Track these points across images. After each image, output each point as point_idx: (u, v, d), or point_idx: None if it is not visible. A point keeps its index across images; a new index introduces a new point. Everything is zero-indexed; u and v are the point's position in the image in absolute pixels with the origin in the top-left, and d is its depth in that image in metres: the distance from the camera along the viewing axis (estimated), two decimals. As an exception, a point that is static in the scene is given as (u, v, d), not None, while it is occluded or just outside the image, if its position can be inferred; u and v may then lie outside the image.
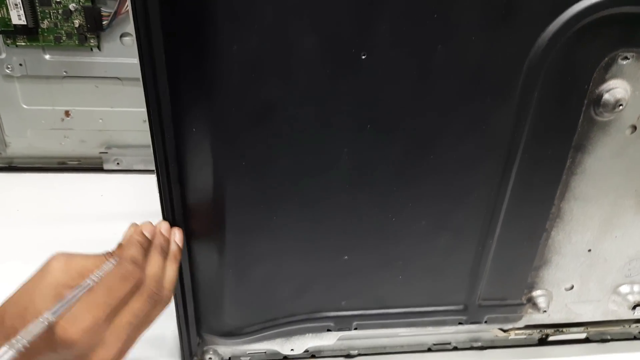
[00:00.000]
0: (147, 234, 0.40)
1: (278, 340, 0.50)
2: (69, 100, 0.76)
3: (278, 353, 0.53)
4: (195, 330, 0.49)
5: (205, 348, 0.52)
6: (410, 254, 0.46)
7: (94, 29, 0.69)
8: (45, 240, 0.69)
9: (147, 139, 0.86)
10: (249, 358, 0.53)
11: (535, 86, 0.38)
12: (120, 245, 0.40)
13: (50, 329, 0.33)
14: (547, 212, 0.45)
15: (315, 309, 0.48)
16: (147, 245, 0.40)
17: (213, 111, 0.37)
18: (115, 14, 0.68)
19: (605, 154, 0.43)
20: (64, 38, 0.70)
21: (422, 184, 0.42)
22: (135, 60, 0.76)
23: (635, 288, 0.52)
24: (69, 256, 0.37)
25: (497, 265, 0.48)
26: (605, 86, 0.39)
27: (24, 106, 0.77)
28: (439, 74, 0.37)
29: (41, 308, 0.34)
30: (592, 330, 0.57)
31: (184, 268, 0.44)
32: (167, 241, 0.41)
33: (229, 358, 0.53)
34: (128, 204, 0.76)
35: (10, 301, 0.36)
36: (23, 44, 0.70)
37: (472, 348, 0.57)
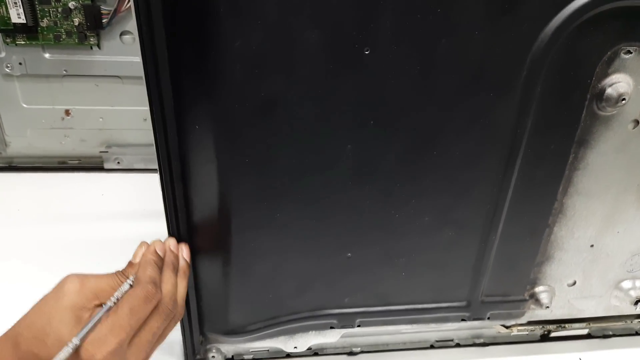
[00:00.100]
0: (160, 252, 0.41)
1: (281, 338, 0.50)
2: (69, 99, 0.76)
3: (281, 351, 0.53)
4: (198, 329, 0.49)
5: (208, 346, 0.52)
6: (413, 250, 0.46)
7: (93, 27, 0.69)
8: (46, 240, 0.69)
9: (147, 137, 0.86)
10: (251, 356, 0.53)
11: (538, 81, 0.38)
12: (130, 264, 0.41)
13: (77, 354, 0.34)
14: (549, 207, 0.45)
15: (318, 306, 0.48)
16: (161, 264, 0.40)
17: (216, 108, 0.37)
18: (115, 12, 0.68)
19: (607, 148, 0.43)
20: (63, 36, 0.69)
21: (425, 179, 0.42)
22: (135, 59, 0.77)
23: (637, 283, 0.52)
24: (82, 277, 0.37)
25: (500, 261, 0.48)
26: (608, 80, 0.39)
27: (24, 105, 0.76)
28: (442, 69, 0.37)
29: (62, 332, 0.35)
30: (594, 326, 0.57)
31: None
32: (177, 258, 0.42)
33: (232, 356, 0.53)
34: (129, 203, 0.76)
35: (24, 324, 0.36)
36: (22, 42, 0.70)
37: (474, 345, 0.57)
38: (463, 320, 0.51)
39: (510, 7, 0.35)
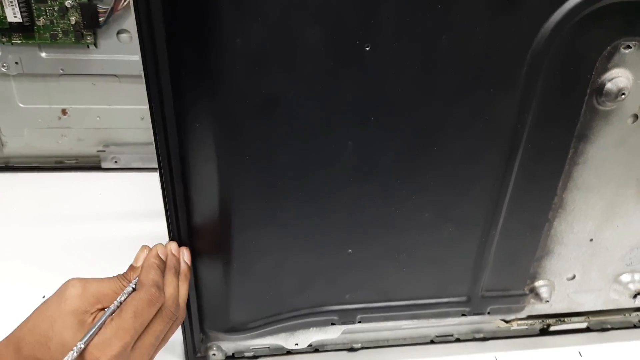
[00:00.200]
0: (162, 256, 0.41)
1: (282, 335, 0.50)
2: (66, 98, 0.76)
3: (282, 348, 0.53)
4: (198, 327, 0.49)
5: (208, 344, 0.52)
6: (414, 246, 0.46)
7: (90, 26, 0.68)
8: (44, 240, 0.68)
9: (145, 136, 0.86)
10: (252, 353, 0.53)
11: (539, 76, 0.38)
12: (132, 267, 0.41)
13: (82, 357, 0.34)
14: (549, 202, 0.45)
15: (319, 302, 0.48)
16: (163, 267, 0.41)
17: (216, 105, 0.37)
18: (112, 10, 0.68)
19: (607, 143, 0.43)
20: (60, 35, 0.69)
21: (426, 175, 0.42)
22: (132, 57, 0.77)
23: (636, 277, 0.52)
24: (84, 281, 0.38)
25: (500, 256, 0.48)
26: (607, 75, 0.39)
27: (21, 105, 0.76)
28: (442, 65, 0.37)
29: (66, 336, 0.35)
30: (593, 319, 0.57)
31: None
32: (178, 261, 0.42)
33: (233, 354, 0.53)
34: (127, 202, 0.76)
35: (25, 328, 0.36)
36: (19, 41, 0.69)
37: (474, 339, 0.58)
38: (463, 315, 0.51)
39: (510, 3, 0.35)
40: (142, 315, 0.36)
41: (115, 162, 0.82)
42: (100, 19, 0.68)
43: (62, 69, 0.73)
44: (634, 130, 0.43)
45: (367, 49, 0.35)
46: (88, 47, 0.71)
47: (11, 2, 0.65)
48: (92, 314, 0.37)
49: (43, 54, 0.72)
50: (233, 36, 0.34)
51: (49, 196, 0.77)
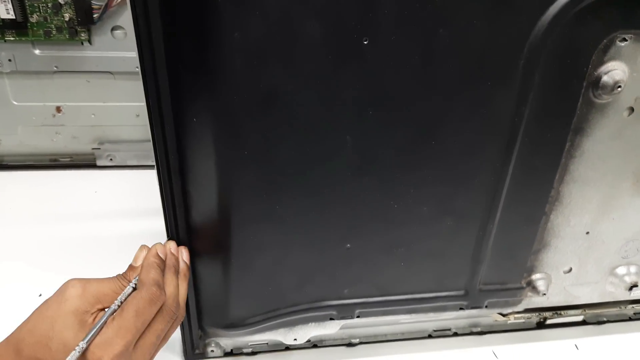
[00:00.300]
0: (162, 255, 0.41)
1: (281, 331, 0.50)
2: (60, 95, 0.75)
3: (280, 344, 0.53)
4: (197, 323, 0.49)
5: (207, 341, 0.52)
6: (412, 240, 0.46)
7: (84, 22, 0.68)
8: (39, 239, 0.68)
9: (140, 133, 0.86)
10: (250, 349, 0.53)
11: (536, 69, 0.38)
12: (131, 267, 0.41)
13: (83, 356, 0.34)
14: (546, 195, 0.46)
15: (317, 298, 0.48)
16: (163, 266, 0.41)
17: (214, 100, 0.37)
18: (106, 6, 0.67)
19: (603, 136, 0.43)
20: (54, 32, 0.68)
21: (424, 169, 0.42)
22: (127, 54, 0.76)
23: (632, 269, 0.53)
24: (84, 282, 0.38)
25: (498, 250, 0.48)
26: (603, 68, 0.40)
27: (14, 102, 0.75)
28: (440, 59, 0.37)
29: (67, 336, 0.35)
30: (589, 312, 0.58)
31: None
32: (177, 260, 0.42)
33: (231, 350, 0.53)
34: (123, 200, 0.76)
35: (25, 329, 0.36)
36: (12, 38, 0.69)
37: (471, 333, 0.58)
38: (461, 309, 0.52)
39: (508, -4, 0.35)
40: (143, 314, 0.36)
41: (111, 159, 0.82)
42: (95, 16, 0.68)
43: (56, 66, 0.72)
44: (630, 123, 0.43)
45: (365, 43, 0.35)
46: (82, 43, 0.71)
47: (4, -2, 0.64)
48: (92, 314, 0.37)
49: (37, 51, 0.71)
50: (231, 30, 0.34)
51: (44, 194, 0.77)
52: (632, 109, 0.42)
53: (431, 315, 0.53)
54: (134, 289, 0.39)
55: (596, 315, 0.59)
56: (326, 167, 0.40)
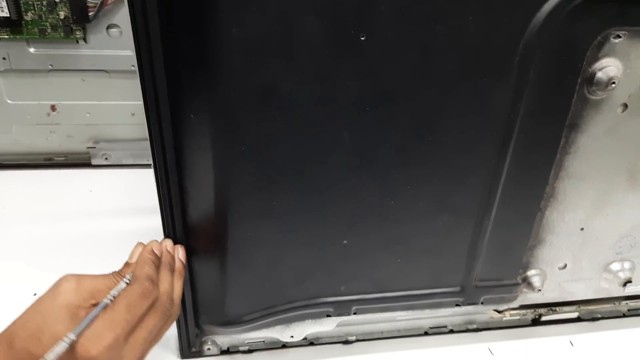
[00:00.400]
0: (157, 252, 0.42)
1: (278, 328, 0.50)
2: (55, 94, 0.75)
3: (277, 342, 0.53)
4: (193, 321, 0.49)
5: (203, 339, 0.52)
6: (409, 236, 0.46)
7: (79, 20, 0.68)
8: (34, 239, 0.67)
9: (136, 132, 0.86)
10: (247, 347, 0.53)
11: (531, 65, 0.39)
12: (127, 264, 0.41)
13: (72, 348, 0.34)
14: (541, 191, 0.46)
15: (314, 294, 0.48)
16: (158, 263, 0.41)
17: (211, 96, 0.37)
18: (102, 5, 0.67)
19: (598, 132, 0.44)
20: (48, 30, 0.68)
21: (421, 165, 0.42)
22: (123, 52, 0.76)
23: (626, 265, 0.53)
24: (78, 277, 0.38)
25: (494, 246, 0.48)
26: (598, 64, 0.40)
27: (9, 101, 0.75)
28: (436, 55, 0.37)
29: (58, 329, 0.35)
30: (584, 308, 0.58)
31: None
32: (173, 259, 0.43)
33: (228, 348, 0.53)
34: (118, 199, 0.76)
35: (19, 323, 0.36)
36: (6, 37, 0.68)
37: (467, 330, 0.58)
38: (457, 305, 0.52)
39: (503, -8, 0.36)
40: (134, 308, 0.36)
41: (106, 158, 0.81)
42: (90, 14, 0.67)
43: (51, 65, 0.72)
44: (624, 119, 0.43)
45: (362, 39, 0.36)
46: (77, 42, 0.71)
47: (-2, -4, 0.64)
48: (85, 309, 0.37)
49: (31, 49, 0.71)
50: (229, 26, 0.34)
51: (39, 194, 0.76)
52: (625, 106, 0.43)
53: (427, 312, 0.53)
54: (128, 284, 0.39)
55: (591, 311, 0.59)
56: (324, 164, 0.40)
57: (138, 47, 0.35)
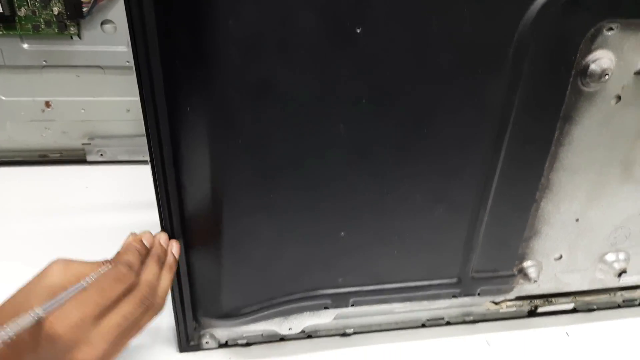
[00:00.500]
0: (146, 243, 0.42)
1: (276, 320, 0.50)
2: (49, 90, 0.75)
3: (275, 334, 0.53)
4: (191, 315, 0.49)
5: (201, 332, 0.52)
6: (406, 228, 0.46)
7: (73, 16, 0.67)
8: (29, 236, 0.67)
9: (131, 128, 0.85)
10: (245, 341, 0.53)
11: (525, 58, 0.39)
12: (118, 254, 0.41)
13: (39, 325, 0.34)
14: (536, 183, 0.46)
15: (312, 286, 0.49)
16: (144, 252, 0.41)
17: (208, 89, 0.37)
18: (96, 0, 0.67)
19: (591, 124, 0.44)
20: (42, 26, 0.68)
21: (417, 158, 0.42)
22: (117, 48, 0.76)
23: (621, 256, 0.54)
24: (68, 261, 0.39)
25: (490, 238, 0.49)
26: (591, 57, 0.40)
27: (3, 98, 0.75)
28: (432, 47, 0.37)
29: (34, 305, 0.35)
30: (580, 299, 0.59)
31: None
32: (165, 252, 0.42)
33: (226, 341, 0.53)
34: (114, 196, 0.76)
35: (7, 301, 0.37)
36: (0, 32, 0.68)
37: (464, 322, 0.58)
38: (454, 296, 0.52)
39: (498, -16, 0.36)
40: (105, 290, 0.36)
41: (101, 155, 0.81)
42: (84, 9, 0.67)
43: (45, 61, 0.72)
44: (617, 111, 0.44)
45: (358, 31, 0.36)
46: (71, 38, 0.70)
47: (-9, -8, 0.64)
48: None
49: (25, 45, 0.70)
50: (225, 18, 0.34)
51: (34, 191, 0.76)
52: (619, 97, 0.43)
53: (425, 304, 0.53)
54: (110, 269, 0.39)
55: (586, 303, 0.60)
56: (320, 157, 0.41)
57: (134, 40, 0.35)
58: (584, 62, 0.41)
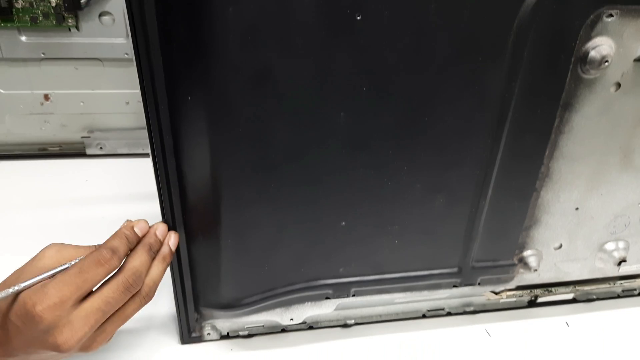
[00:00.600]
0: (138, 231, 0.41)
1: (277, 310, 0.50)
2: (48, 83, 0.74)
3: (277, 325, 0.53)
4: (193, 306, 0.49)
5: (203, 323, 0.52)
6: (406, 218, 0.46)
7: (71, 8, 0.67)
8: (29, 229, 0.67)
9: (130, 121, 0.85)
10: (247, 332, 0.53)
11: (525, 45, 0.39)
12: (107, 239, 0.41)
13: (19, 300, 0.35)
14: (536, 171, 0.46)
15: (313, 276, 0.49)
16: (134, 239, 0.41)
17: (208, 77, 0.37)
18: (94, -8, 0.67)
19: (591, 111, 0.44)
20: (40, 18, 0.68)
21: (417, 146, 0.42)
22: (116, 40, 0.75)
23: (620, 244, 0.54)
24: (61, 245, 0.39)
25: (490, 227, 0.49)
26: (591, 43, 0.40)
27: (1, 91, 0.74)
28: (432, 35, 0.37)
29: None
30: (580, 289, 0.59)
31: (180, 242, 0.44)
32: (159, 243, 0.42)
33: (227, 333, 0.53)
34: (114, 189, 0.75)
35: (2, 282, 0.38)
36: (-3, 25, 0.68)
37: (464, 313, 0.59)
38: (455, 286, 0.52)
39: (497, -29, 0.36)
40: (85, 272, 0.36)
41: (101, 148, 0.81)
42: (82, 1, 0.67)
43: (43, 53, 0.71)
44: (617, 98, 0.44)
45: (358, 18, 0.36)
46: (70, 30, 0.70)
47: (-12, -17, 0.63)
48: None
49: (23, 38, 0.70)
50: (225, 5, 0.34)
51: (33, 184, 0.76)
52: (618, 85, 0.43)
53: (425, 294, 0.53)
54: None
55: (586, 293, 0.60)
56: (320, 144, 0.41)
57: (133, 28, 0.35)
58: (583, 49, 0.41)
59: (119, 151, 0.81)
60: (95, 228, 0.67)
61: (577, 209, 0.50)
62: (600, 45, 0.40)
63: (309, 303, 0.50)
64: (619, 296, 0.62)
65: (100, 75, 0.74)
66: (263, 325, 0.53)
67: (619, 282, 0.60)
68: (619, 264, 0.54)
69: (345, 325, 0.56)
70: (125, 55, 0.70)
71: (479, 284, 0.53)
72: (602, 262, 0.55)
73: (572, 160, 0.47)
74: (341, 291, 0.50)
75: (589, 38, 0.40)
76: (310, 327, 0.55)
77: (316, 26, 0.35)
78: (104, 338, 0.39)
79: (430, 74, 0.39)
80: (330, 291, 0.50)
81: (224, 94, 0.37)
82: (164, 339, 0.53)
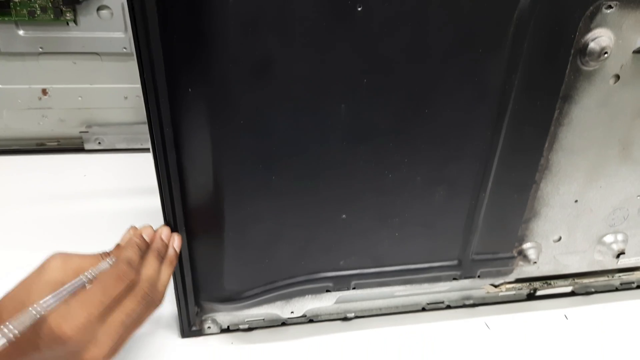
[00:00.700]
0: (146, 238, 0.42)
1: (278, 304, 0.50)
2: (46, 77, 0.74)
3: (277, 319, 0.53)
4: (193, 299, 0.49)
5: (203, 317, 0.52)
6: (406, 210, 0.46)
7: (69, 2, 0.67)
8: (27, 225, 0.67)
9: (129, 116, 0.85)
10: (247, 325, 0.53)
11: (525, 37, 0.39)
12: (118, 246, 0.41)
13: (43, 323, 0.34)
14: (536, 163, 0.46)
15: (314, 269, 0.49)
16: (144, 247, 0.41)
17: (209, 69, 0.37)
18: (92, -15, 0.66)
19: (590, 103, 0.44)
20: (38, 12, 0.67)
21: (417, 138, 0.42)
22: (114, 34, 0.75)
23: (619, 237, 0.54)
24: (66, 255, 0.39)
25: (490, 219, 0.49)
26: (590, 35, 0.40)
27: (-1, 85, 0.75)
28: (432, 26, 0.37)
29: (35, 302, 0.35)
30: (578, 282, 0.59)
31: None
32: (165, 246, 0.43)
33: (228, 326, 0.53)
34: (112, 183, 0.75)
35: (7, 297, 0.37)
36: (-6, 19, 0.68)
37: (464, 306, 0.59)
38: (454, 279, 0.52)
39: (498, -38, 0.36)
40: (109, 289, 0.37)
41: (99, 143, 0.81)
42: (80, -5, 0.67)
43: (41, 47, 0.71)
44: (616, 90, 0.44)
45: (359, 9, 0.36)
46: (67, 24, 0.70)
47: (-14, -23, 0.63)
48: None
49: (21, 32, 0.70)
50: (226, -4, 0.33)
51: (31, 179, 0.76)
52: (617, 77, 0.43)
53: (425, 287, 0.53)
54: (110, 266, 0.39)
55: (585, 286, 0.60)
56: (321, 136, 0.41)
57: (134, 20, 0.35)
58: (583, 41, 0.41)
59: (118, 146, 0.81)
60: (93, 223, 0.67)
61: (576, 201, 0.50)
62: (600, 37, 0.40)
63: (310, 296, 0.50)
64: (617, 289, 0.62)
65: (98, 70, 0.74)
66: (263, 319, 0.53)
67: (618, 274, 0.60)
68: (618, 256, 0.54)
69: (346, 319, 0.56)
70: (124, 50, 0.70)
71: (478, 276, 0.53)
72: (600, 254, 0.55)
73: (571, 153, 0.47)
74: (341, 284, 0.50)
75: (588, 30, 0.40)
76: (311, 320, 0.55)
77: (317, 17, 0.35)
78: (122, 346, 0.39)
79: (430, 66, 0.39)
80: (330, 284, 0.50)
81: (225, 86, 0.37)
82: (165, 333, 0.53)
